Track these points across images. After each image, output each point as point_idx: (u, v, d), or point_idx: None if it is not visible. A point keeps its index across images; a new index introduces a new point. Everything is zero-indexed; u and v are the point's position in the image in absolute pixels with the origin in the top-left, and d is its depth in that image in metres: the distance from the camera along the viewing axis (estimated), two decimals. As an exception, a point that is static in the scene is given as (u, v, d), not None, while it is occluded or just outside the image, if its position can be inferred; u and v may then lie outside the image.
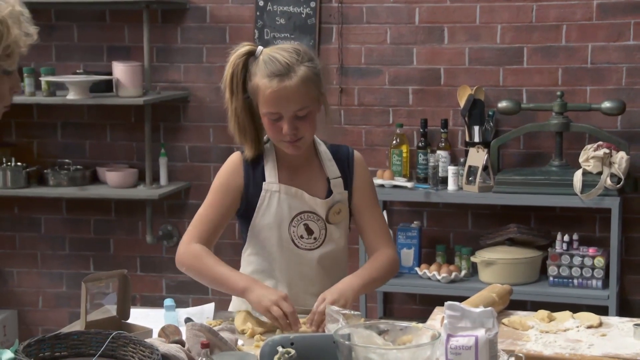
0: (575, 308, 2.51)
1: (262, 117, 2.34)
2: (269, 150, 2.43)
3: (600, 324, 2.15)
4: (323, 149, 2.47)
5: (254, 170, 2.43)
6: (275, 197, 2.41)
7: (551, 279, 3.95)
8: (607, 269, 3.89)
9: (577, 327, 2.12)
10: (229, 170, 2.45)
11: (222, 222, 2.44)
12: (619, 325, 2.14)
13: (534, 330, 2.11)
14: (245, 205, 2.43)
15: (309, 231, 2.41)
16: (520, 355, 1.83)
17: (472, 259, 4.04)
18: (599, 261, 3.88)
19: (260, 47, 2.35)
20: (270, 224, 2.41)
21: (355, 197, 2.45)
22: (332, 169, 2.44)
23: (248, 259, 2.49)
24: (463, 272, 4.08)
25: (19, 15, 1.94)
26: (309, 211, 2.40)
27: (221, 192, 2.44)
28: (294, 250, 2.42)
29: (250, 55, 2.34)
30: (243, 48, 2.34)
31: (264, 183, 2.41)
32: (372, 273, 2.40)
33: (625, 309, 4.08)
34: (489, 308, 1.83)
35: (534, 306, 3.81)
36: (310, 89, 2.30)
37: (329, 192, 2.42)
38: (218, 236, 2.46)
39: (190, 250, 2.40)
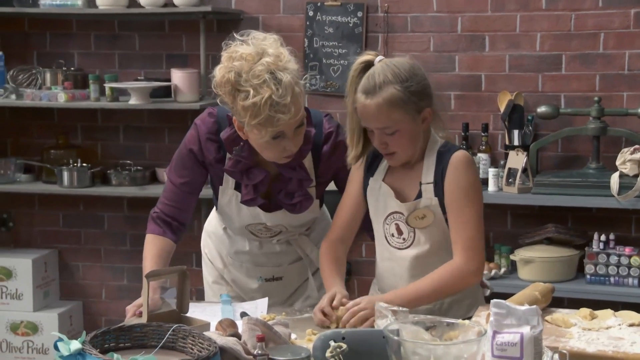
0: (611, 305, 2.45)
1: None
2: None
3: (642, 323, 2.08)
4: (432, 151, 2.31)
5: (372, 162, 2.39)
6: (376, 193, 2.36)
7: (588, 277, 3.88)
8: (642, 268, 3.81)
9: (619, 325, 2.06)
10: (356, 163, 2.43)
11: (355, 212, 2.41)
12: (660, 324, 2.08)
13: (576, 327, 2.06)
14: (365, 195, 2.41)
15: (399, 231, 2.32)
16: (564, 352, 1.79)
17: (512, 257, 3.98)
18: (635, 260, 3.80)
19: (379, 58, 2.26)
20: (373, 217, 2.39)
21: (445, 199, 2.27)
22: (428, 173, 2.30)
23: None
24: (503, 270, 4.01)
25: (273, 103, 2.17)
26: (400, 212, 2.31)
27: (349, 184, 2.44)
28: (386, 246, 2.37)
29: (368, 65, 2.26)
30: (363, 57, 2.28)
31: (370, 179, 2.38)
32: (423, 289, 2.24)
33: (660, 307, 3.98)
34: (534, 306, 1.78)
35: (571, 303, 3.75)
36: (395, 110, 2.20)
37: (419, 196, 2.30)
38: (355, 223, 2.42)
39: (321, 248, 2.43)
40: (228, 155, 2.40)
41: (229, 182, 2.46)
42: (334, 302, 2.23)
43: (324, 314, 2.22)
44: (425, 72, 2.29)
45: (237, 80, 2.20)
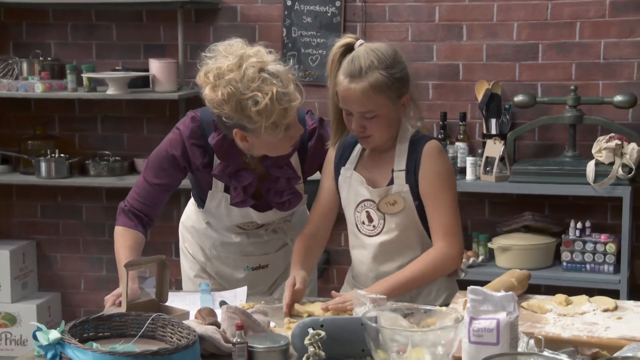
0: (587, 292, 2.48)
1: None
2: None
3: (616, 308, 2.11)
4: (404, 139, 2.33)
5: (343, 153, 2.41)
6: (347, 182, 2.38)
7: (564, 264, 3.91)
8: (618, 254, 3.85)
9: (594, 310, 2.09)
10: (329, 154, 2.45)
11: (330, 204, 2.43)
12: (634, 309, 2.11)
13: (552, 313, 2.08)
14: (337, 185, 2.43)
15: (370, 219, 2.34)
16: (540, 337, 1.81)
17: (489, 245, 4.01)
18: (611, 247, 3.84)
19: (359, 42, 2.28)
20: (345, 206, 2.41)
21: (421, 187, 2.29)
22: (400, 161, 2.32)
23: None
24: (480, 258, 4.05)
25: (281, 96, 2.20)
26: (370, 200, 2.33)
27: (322, 177, 2.46)
28: (357, 234, 2.38)
29: (349, 48, 2.28)
30: (343, 40, 2.29)
31: (342, 168, 2.40)
32: (409, 277, 2.25)
33: (636, 293, 4.02)
34: (510, 292, 1.80)
35: (548, 290, 3.78)
36: (379, 95, 2.22)
37: (391, 183, 2.32)
38: (330, 216, 2.43)
39: (295, 243, 2.45)
40: (216, 159, 2.40)
41: (217, 185, 2.46)
42: (296, 284, 2.26)
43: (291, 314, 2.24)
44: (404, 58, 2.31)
45: (238, 91, 2.20)
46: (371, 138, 2.30)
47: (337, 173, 2.42)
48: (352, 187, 2.37)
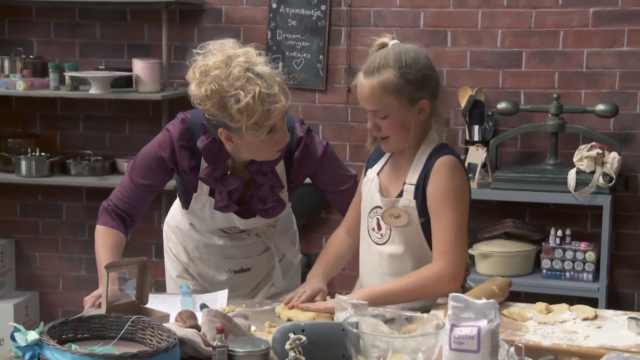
0: (566, 300, 2.49)
1: None
2: None
3: (596, 317, 2.12)
4: (426, 151, 2.26)
5: (377, 156, 2.39)
6: (368, 185, 2.36)
7: (544, 271, 3.93)
8: (597, 263, 3.87)
9: (574, 319, 2.10)
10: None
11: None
12: (614, 318, 2.12)
13: (532, 321, 2.09)
14: None
15: (379, 226, 2.30)
16: (520, 345, 1.81)
17: (470, 251, 4.01)
18: (590, 255, 3.86)
19: (394, 41, 2.25)
20: (362, 209, 2.38)
21: (428, 203, 2.22)
22: (414, 174, 2.25)
23: None
24: (461, 264, 4.05)
25: (264, 97, 2.18)
26: (381, 207, 2.30)
27: (361, 178, 2.44)
28: (366, 238, 2.36)
29: (384, 46, 2.26)
30: (381, 39, 2.27)
31: (369, 170, 2.38)
32: (395, 289, 2.20)
33: (614, 301, 4.06)
34: (492, 300, 1.80)
35: (527, 297, 3.80)
36: (387, 95, 2.19)
37: (400, 196, 2.27)
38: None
39: (329, 239, 2.50)
40: (203, 162, 2.39)
41: (203, 188, 2.46)
42: (295, 301, 2.27)
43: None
44: (434, 65, 2.26)
45: (222, 88, 2.19)
46: (388, 140, 2.26)
47: (365, 174, 2.40)
48: (370, 191, 2.34)
